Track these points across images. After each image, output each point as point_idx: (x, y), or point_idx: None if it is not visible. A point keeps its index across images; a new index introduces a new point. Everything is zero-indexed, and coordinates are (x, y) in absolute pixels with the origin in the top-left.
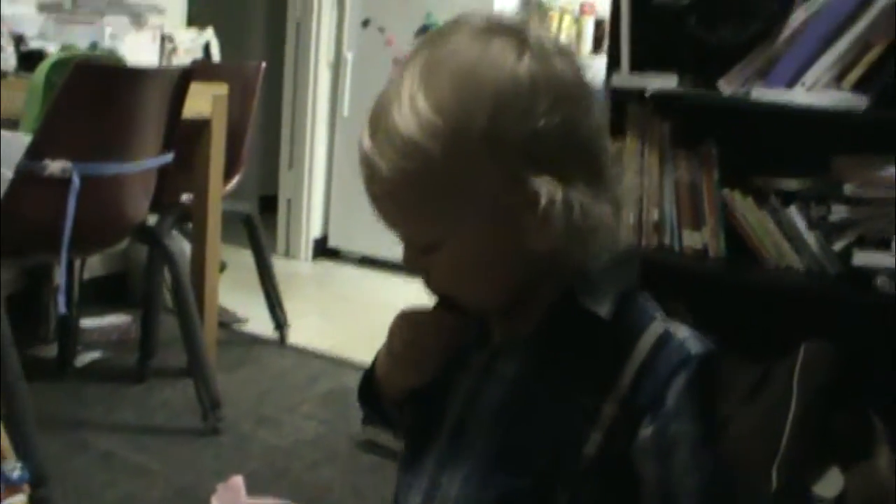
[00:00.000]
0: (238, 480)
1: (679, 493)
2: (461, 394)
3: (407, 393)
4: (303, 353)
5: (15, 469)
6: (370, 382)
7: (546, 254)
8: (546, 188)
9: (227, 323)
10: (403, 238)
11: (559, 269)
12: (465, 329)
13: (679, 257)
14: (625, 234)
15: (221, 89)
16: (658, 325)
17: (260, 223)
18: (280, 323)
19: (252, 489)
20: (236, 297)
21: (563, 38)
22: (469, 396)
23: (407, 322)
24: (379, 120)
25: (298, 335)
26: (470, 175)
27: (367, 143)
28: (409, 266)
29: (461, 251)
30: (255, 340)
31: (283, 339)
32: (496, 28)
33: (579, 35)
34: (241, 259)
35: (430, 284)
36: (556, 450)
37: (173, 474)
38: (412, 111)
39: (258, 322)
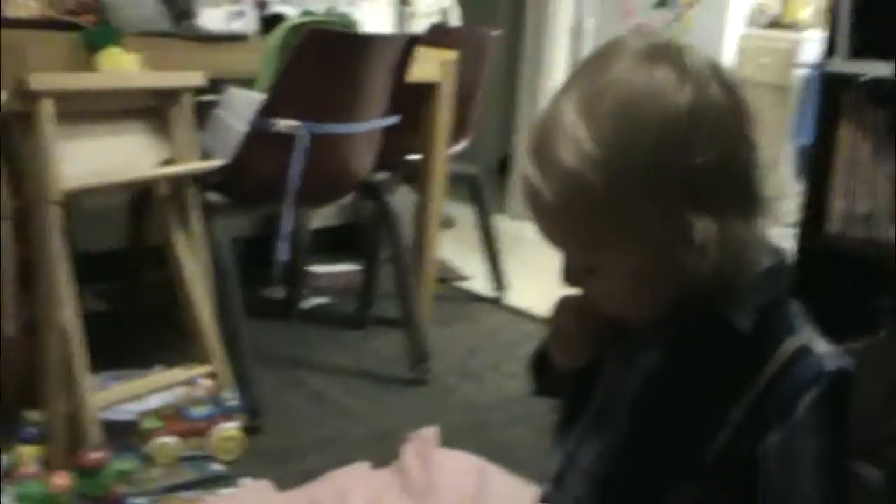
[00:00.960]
0: (431, 432)
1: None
2: (606, 378)
3: (569, 370)
4: (518, 315)
5: (232, 398)
6: (542, 357)
7: (699, 278)
8: (702, 225)
9: (449, 279)
10: (564, 256)
11: (708, 287)
12: (613, 322)
13: (889, 252)
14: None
15: (451, 55)
16: (797, 338)
17: (485, 185)
18: (499, 283)
19: (447, 440)
20: (462, 254)
21: (811, 13)
22: (612, 382)
23: (561, 307)
24: (541, 147)
25: (517, 297)
26: (629, 208)
27: (530, 169)
28: (567, 280)
29: (617, 276)
30: (473, 298)
31: (500, 298)
32: (657, 54)
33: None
34: (473, 219)
35: (588, 299)
36: (680, 446)
37: (376, 418)
38: (574, 142)
39: (480, 280)
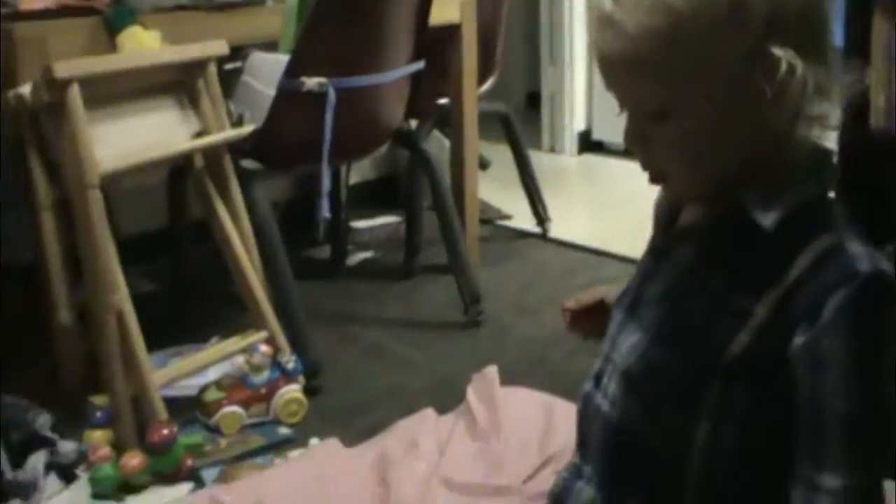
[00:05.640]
0: (492, 370)
1: (826, 412)
2: (642, 272)
3: None
4: (564, 247)
5: (290, 361)
6: None
7: (767, 138)
8: (786, 58)
9: (491, 219)
10: (632, 105)
11: (760, 167)
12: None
13: None
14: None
15: None
16: (830, 238)
17: (516, 121)
18: (541, 217)
19: (508, 378)
20: (501, 193)
21: None
22: (647, 274)
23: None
24: None
25: (561, 229)
26: (713, 38)
27: (608, 4)
28: (630, 139)
29: (691, 120)
30: (518, 235)
31: (544, 233)
32: None
33: None
34: (508, 157)
35: (649, 160)
36: (704, 340)
37: (435, 365)
38: None
39: (521, 217)
